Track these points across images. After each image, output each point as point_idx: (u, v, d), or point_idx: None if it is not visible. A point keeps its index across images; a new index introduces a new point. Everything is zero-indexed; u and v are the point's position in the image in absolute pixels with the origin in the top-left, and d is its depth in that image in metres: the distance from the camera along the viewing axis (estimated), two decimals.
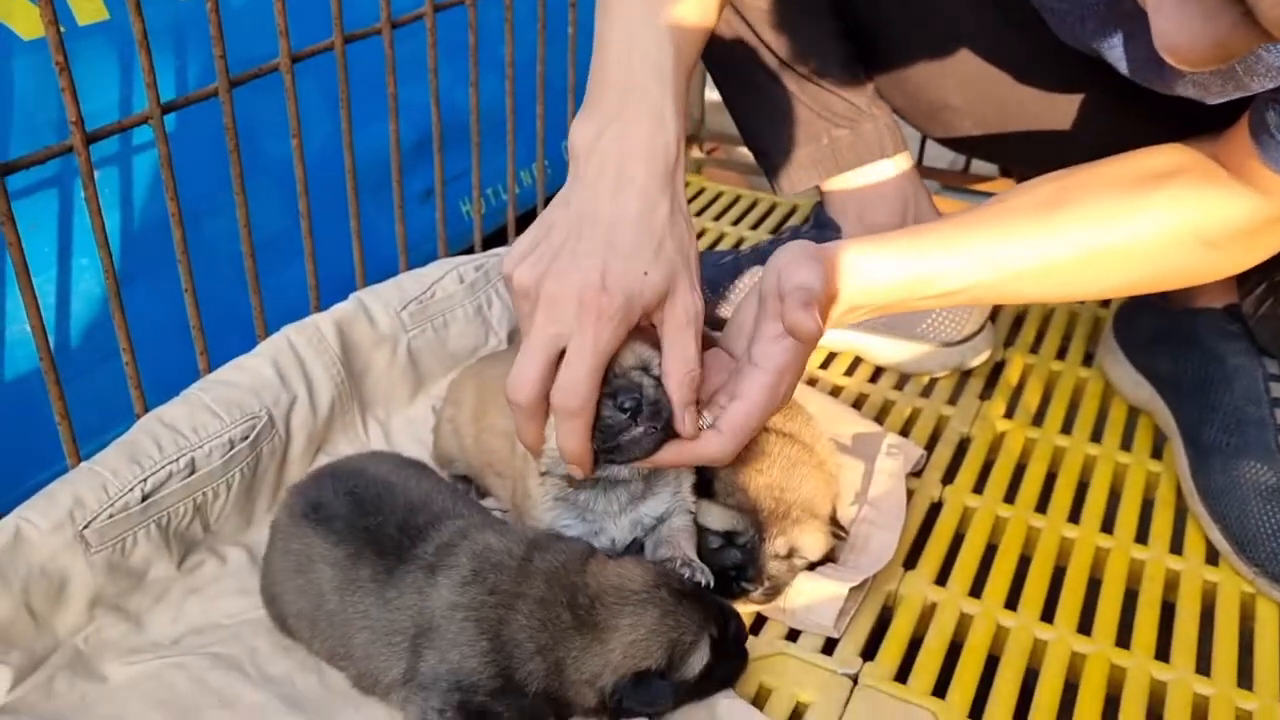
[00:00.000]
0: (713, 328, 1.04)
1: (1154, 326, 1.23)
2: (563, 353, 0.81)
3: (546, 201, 1.39)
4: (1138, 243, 0.88)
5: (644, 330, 0.85)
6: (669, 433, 0.84)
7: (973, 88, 1.14)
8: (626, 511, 0.92)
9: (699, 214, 1.74)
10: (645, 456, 0.85)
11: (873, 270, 0.87)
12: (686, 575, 0.86)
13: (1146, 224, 0.88)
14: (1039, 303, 0.95)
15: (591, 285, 0.79)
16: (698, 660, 0.83)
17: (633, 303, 0.80)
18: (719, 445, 0.84)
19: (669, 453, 0.85)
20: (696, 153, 1.97)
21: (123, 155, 1.18)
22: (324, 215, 1.29)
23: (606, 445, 0.84)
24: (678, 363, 0.83)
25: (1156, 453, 1.21)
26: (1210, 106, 0.84)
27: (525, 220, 1.36)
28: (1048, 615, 0.99)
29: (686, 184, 1.80)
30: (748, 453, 0.99)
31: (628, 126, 0.84)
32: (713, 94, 1.94)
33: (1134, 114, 0.98)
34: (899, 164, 1.29)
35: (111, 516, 0.91)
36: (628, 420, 0.82)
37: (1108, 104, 1.06)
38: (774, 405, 0.85)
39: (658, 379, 0.84)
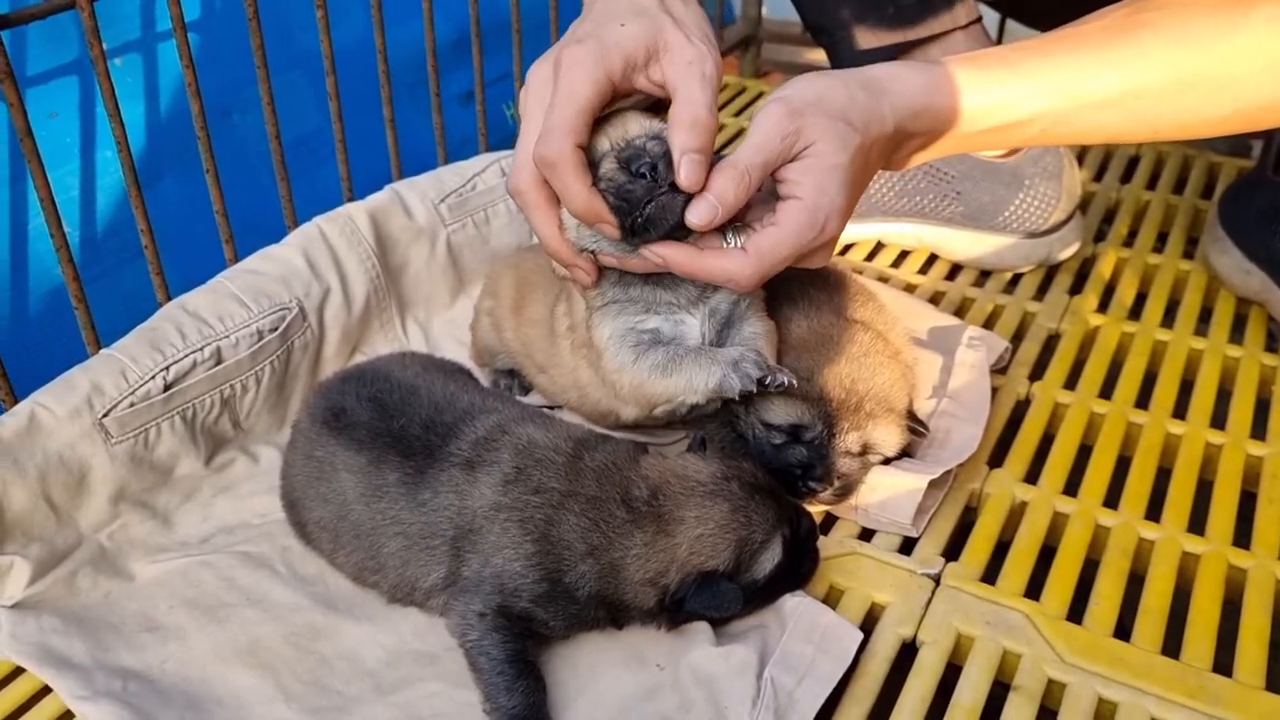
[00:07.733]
0: None
1: (1269, 203, 1.10)
2: None
3: None
4: (1226, 69, 0.77)
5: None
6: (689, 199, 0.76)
7: None
8: (699, 304, 0.85)
9: None
10: (679, 224, 0.76)
11: (917, 93, 0.77)
12: (770, 380, 0.80)
13: (1238, 48, 0.77)
14: (1115, 141, 0.84)
15: (563, 46, 0.78)
16: (768, 560, 0.75)
17: (607, 51, 0.77)
18: (740, 261, 0.76)
19: (684, 255, 0.77)
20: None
21: (146, 42, 1.12)
22: (361, 113, 1.21)
23: (636, 220, 0.76)
24: (682, 104, 0.76)
25: (1271, 347, 1.09)
26: None
27: None
28: (1152, 514, 0.89)
29: (744, 89, 1.72)
30: (813, 338, 0.90)
31: None
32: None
33: None
34: (972, 39, 1.17)
35: (132, 405, 0.86)
36: (648, 184, 0.75)
37: None
38: (807, 238, 0.76)
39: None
